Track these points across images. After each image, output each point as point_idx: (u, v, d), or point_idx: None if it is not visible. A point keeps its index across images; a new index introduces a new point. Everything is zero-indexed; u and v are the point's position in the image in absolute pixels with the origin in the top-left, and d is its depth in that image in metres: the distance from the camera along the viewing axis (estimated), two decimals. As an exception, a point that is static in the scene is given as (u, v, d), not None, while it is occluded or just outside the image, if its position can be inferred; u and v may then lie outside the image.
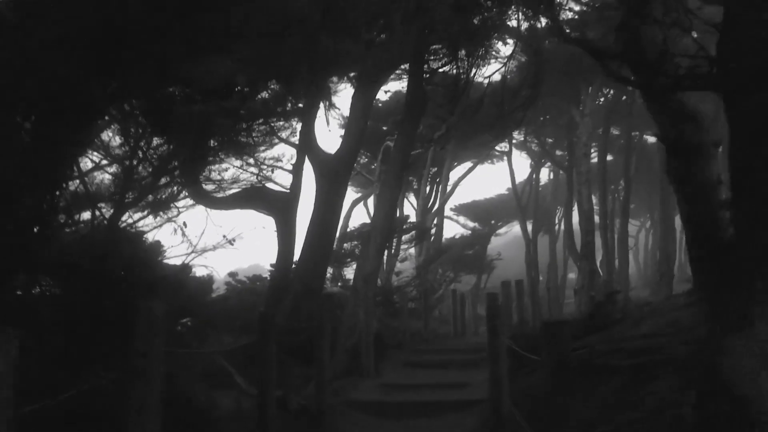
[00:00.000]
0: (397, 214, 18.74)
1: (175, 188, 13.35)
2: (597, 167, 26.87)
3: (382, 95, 36.57)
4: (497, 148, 38.15)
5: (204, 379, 8.48)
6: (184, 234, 10.84)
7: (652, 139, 38.87)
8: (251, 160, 14.30)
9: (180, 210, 13.29)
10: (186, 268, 16.83)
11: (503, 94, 16.47)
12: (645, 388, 4.95)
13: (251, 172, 14.34)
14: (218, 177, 13.10)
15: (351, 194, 38.63)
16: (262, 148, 14.33)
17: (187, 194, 13.38)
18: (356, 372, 9.33)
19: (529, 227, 38.73)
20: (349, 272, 20.59)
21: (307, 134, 14.00)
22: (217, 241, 11.55)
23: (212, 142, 11.67)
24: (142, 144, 11.82)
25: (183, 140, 10.98)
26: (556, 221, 45.97)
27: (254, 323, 14.00)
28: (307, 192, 14.77)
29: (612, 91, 27.59)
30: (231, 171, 13.86)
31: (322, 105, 15.10)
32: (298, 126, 14.61)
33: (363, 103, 13.65)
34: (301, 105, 12.99)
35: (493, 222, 49.70)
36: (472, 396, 8.06)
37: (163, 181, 12.78)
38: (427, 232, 24.68)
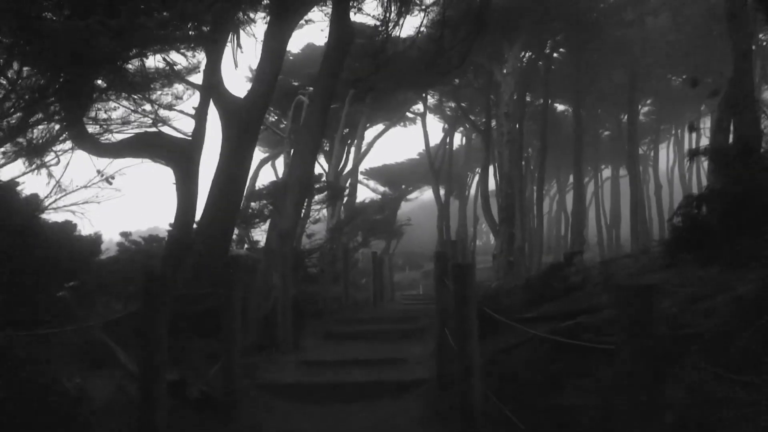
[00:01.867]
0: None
1: (53, 129, 11.34)
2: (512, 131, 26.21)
3: (293, 47, 34.68)
4: (412, 109, 37.17)
5: (81, 360, 6.86)
6: (58, 183, 8.95)
7: (560, 107, 39.15)
8: (145, 102, 12.33)
9: (58, 154, 11.31)
10: (69, 225, 14.77)
11: (443, 28, 15.21)
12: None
13: (144, 112, 12.41)
14: (105, 116, 11.11)
15: (258, 154, 36.73)
16: (159, 84, 12.39)
17: (68, 137, 11.39)
18: (271, 346, 7.86)
19: (441, 192, 38.17)
20: (258, 234, 19.02)
21: (213, 73, 12.22)
22: (91, 179, 9.68)
23: (96, 72, 9.75)
24: (10, 74, 9.80)
25: (59, 67, 9.07)
26: (468, 186, 45.81)
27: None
28: (211, 141, 13.04)
29: (530, 54, 27.03)
30: (120, 111, 11.90)
31: (229, 46, 13.30)
32: (202, 65, 12.78)
33: (278, 40, 12.00)
34: (206, 29, 11.14)
35: (403, 187, 49.12)
36: (412, 375, 6.79)
37: (37, 120, 10.78)
38: (342, 192, 23.32)
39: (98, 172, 11.08)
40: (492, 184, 29.75)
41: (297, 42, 48.96)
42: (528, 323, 5.78)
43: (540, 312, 6.15)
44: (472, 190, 46.65)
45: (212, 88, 12.14)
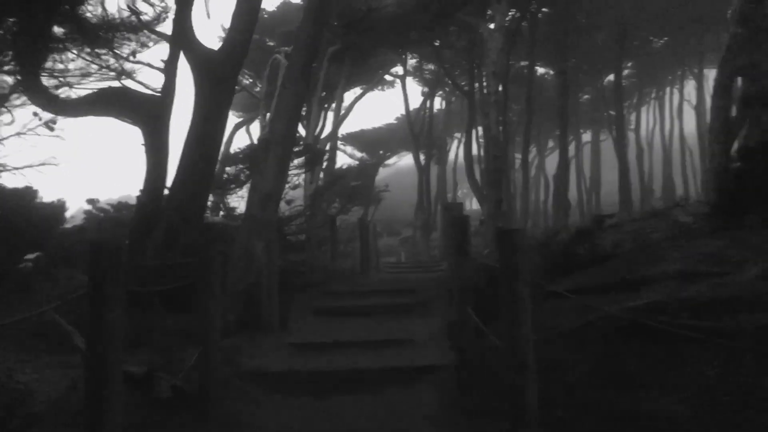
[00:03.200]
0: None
1: (5, 83, 10.15)
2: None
3: (268, 5, 33.13)
4: (391, 72, 35.99)
5: (31, 346, 5.90)
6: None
7: (541, 70, 38.23)
8: (108, 53, 11.14)
9: (9, 109, 10.14)
10: (29, 191, 13.60)
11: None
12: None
13: (107, 65, 11.24)
14: (62, 67, 9.94)
15: (232, 118, 35.40)
16: (123, 34, 11.20)
17: (23, 90, 10.20)
18: (254, 325, 6.91)
19: (421, 158, 37.22)
20: (234, 201, 17.99)
21: (183, 22, 11.07)
22: (26, 124, 8.61)
23: (51, 18, 8.59)
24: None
25: (9, 12, 7.92)
26: (447, 151, 44.92)
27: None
28: (183, 98, 11.92)
29: (515, 13, 25.96)
30: (80, 62, 10.72)
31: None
32: (171, 14, 11.61)
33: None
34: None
35: (381, 152, 48.13)
36: (423, 359, 5.79)
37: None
38: (322, 156, 22.26)
39: (35, 114, 9.85)
40: (474, 149, 28.90)
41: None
42: (557, 298, 4.95)
43: (569, 285, 5.31)
44: (451, 155, 45.77)
45: (182, 38, 11.00)
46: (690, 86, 42.79)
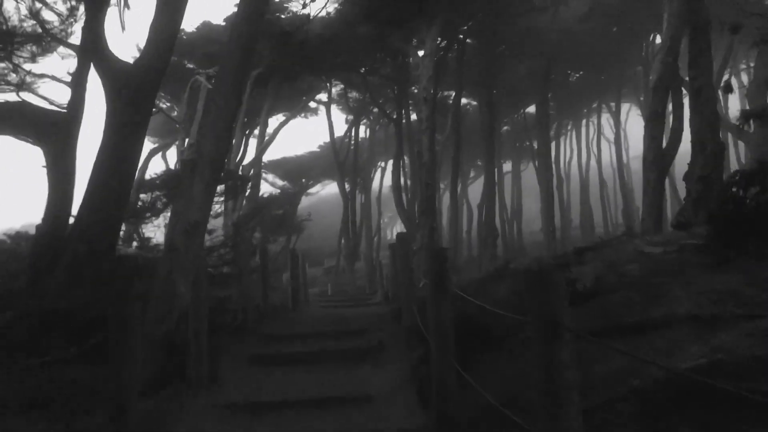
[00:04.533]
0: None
1: None
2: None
3: (187, 26, 31.88)
4: (317, 98, 35.26)
5: None
6: None
7: (464, 101, 38.46)
8: (6, 63, 9.84)
9: None
10: None
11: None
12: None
13: (4, 76, 9.92)
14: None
15: (147, 144, 33.62)
16: (24, 45, 9.93)
17: None
18: (178, 378, 5.74)
19: (346, 186, 36.51)
20: (150, 230, 16.59)
21: (95, 30, 9.92)
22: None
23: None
24: None
25: None
26: (372, 179, 44.46)
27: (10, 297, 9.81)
28: (93, 115, 10.70)
29: (443, 42, 25.85)
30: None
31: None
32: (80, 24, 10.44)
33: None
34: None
35: (303, 180, 47.17)
36: (388, 423, 4.71)
37: None
38: (246, 183, 21.09)
39: None
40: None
41: (191, 20, 45.69)
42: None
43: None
44: (374, 184, 45.28)
45: (93, 48, 9.83)
46: (605, 119, 44.13)
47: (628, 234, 12.45)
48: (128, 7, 12.09)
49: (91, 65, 10.08)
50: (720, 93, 13.47)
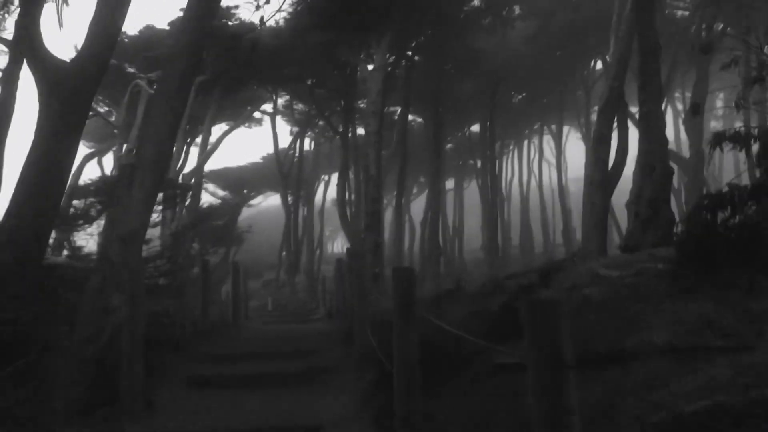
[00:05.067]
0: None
1: None
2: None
3: (129, 28, 30.91)
4: (262, 108, 34.71)
5: None
6: None
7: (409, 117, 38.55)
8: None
9: None
10: None
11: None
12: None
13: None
14: None
15: (82, 149, 32.31)
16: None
17: None
18: (108, 403, 5.21)
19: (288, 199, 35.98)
20: (81, 239, 15.72)
21: (29, 26, 9.29)
22: None
23: None
24: None
25: None
26: (317, 192, 44.06)
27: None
28: (23, 115, 10.03)
29: (392, 57, 25.81)
30: None
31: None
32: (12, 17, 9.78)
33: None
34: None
35: (245, 191, 46.38)
36: None
37: None
38: (187, 192, 20.38)
39: None
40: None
41: (133, 23, 44.43)
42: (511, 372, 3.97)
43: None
44: (317, 197, 44.86)
45: (26, 43, 9.19)
46: (545, 140, 45.01)
47: (576, 255, 12.46)
48: (66, 4, 11.47)
49: (24, 62, 9.42)
50: (689, 113, 13.62)
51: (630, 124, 15.66)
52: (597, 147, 14.67)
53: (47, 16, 12.44)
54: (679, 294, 4.52)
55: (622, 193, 15.59)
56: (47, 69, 9.24)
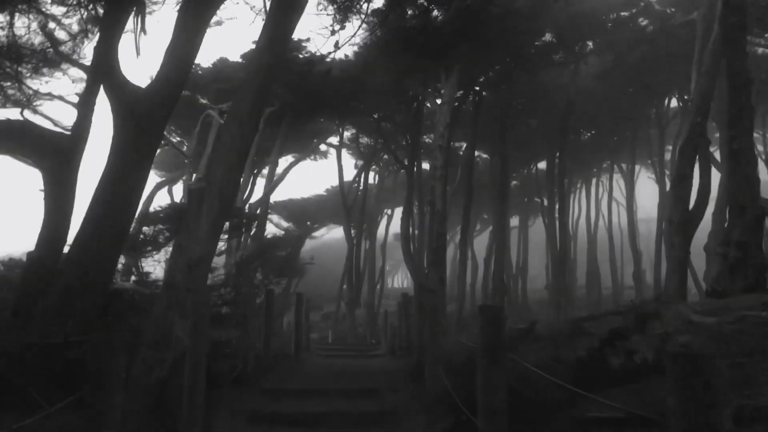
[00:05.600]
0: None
1: None
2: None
3: (203, 60, 31.81)
4: (328, 141, 35.03)
5: None
6: None
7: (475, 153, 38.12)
8: (11, 81, 9.36)
9: None
10: None
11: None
12: None
13: (10, 99, 9.43)
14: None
15: (153, 177, 33.20)
16: (32, 63, 9.46)
17: None
18: None
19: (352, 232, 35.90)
20: (149, 265, 15.91)
21: (107, 52, 9.47)
22: None
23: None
24: None
25: None
26: (379, 226, 43.98)
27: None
28: (98, 140, 10.18)
29: (460, 92, 25.62)
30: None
31: (132, 21, 10.61)
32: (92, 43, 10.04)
33: (194, 18, 9.40)
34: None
35: (308, 223, 46.75)
36: None
37: None
38: (253, 222, 20.50)
39: None
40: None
41: (206, 56, 46.12)
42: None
43: (604, 409, 3.79)
44: (380, 231, 44.72)
45: (105, 70, 9.35)
46: (615, 179, 43.71)
47: (660, 299, 11.74)
48: (144, 33, 11.70)
49: (101, 88, 9.59)
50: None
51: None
52: (677, 186, 13.94)
53: (125, 44, 12.77)
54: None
55: (700, 235, 14.77)
56: (123, 94, 9.37)
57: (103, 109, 11.06)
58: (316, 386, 7.71)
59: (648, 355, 4.63)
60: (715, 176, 16.39)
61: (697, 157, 14.45)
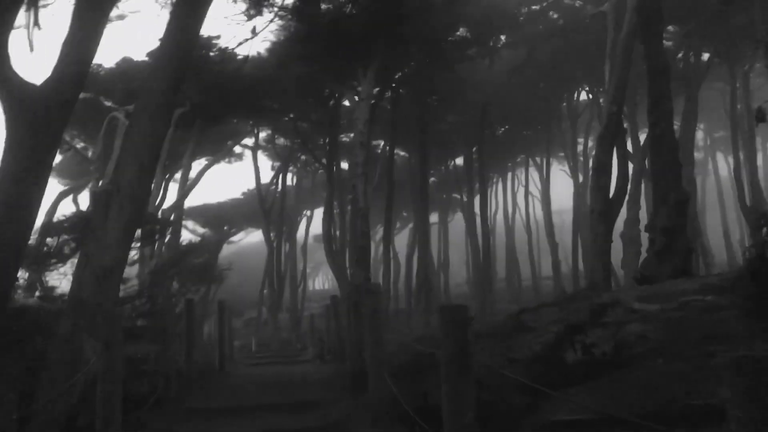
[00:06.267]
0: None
1: None
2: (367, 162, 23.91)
3: (105, 60, 30.15)
4: (243, 143, 34.06)
5: None
6: None
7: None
8: None
9: None
10: None
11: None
12: None
13: None
14: None
15: (57, 185, 31.26)
16: None
17: None
18: None
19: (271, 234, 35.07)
20: (55, 278, 14.78)
21: (-4, 46, 8.49)
22: None
23: None
24: None
25: None
26: (299, 227, 43.24)
27: None
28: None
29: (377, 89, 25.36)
30: None
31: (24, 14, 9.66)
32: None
33: (93, 10, 8.59)
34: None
35: (225, 228, 45.45)
36: None
37: None
38: (167, 228, 19.47)
39: None
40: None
41: (110, 55, 43.91)
42: None
43: (568, 410, 3.47)
44: (300, 233, 44.01)
45: (-8, 66, 8.38)
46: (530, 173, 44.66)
47: (590, 288, 11.78)
48: (39, 27, 10.73)
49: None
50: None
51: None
52: (597, 175, 14.12)
53: (17, 39, 11.72)
54: (749, 332, 3.81)
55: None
56: (14, 91, 8.45)
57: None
58: (249, 402, 7.10)
59: (607, 349, 4.38)
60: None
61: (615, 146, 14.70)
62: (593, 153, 35.28)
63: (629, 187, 16.13)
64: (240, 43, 19.77)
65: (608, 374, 3.96)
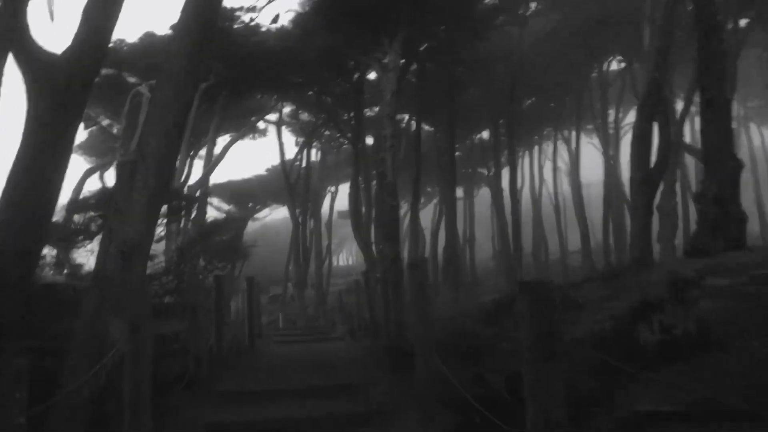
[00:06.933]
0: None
1: None
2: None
3: (128, 36, 29.89)
4: (267, 118, 33.69)
5: None
6: None
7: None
8: None
9: None
10: None
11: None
12: None
13: None
14: None
15: (83, 163, 31.21)
16: None
17: None
18: None
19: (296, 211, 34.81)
20: (82, 256, 14.67)
21: (15, 16, 8.15)
22: None
23: None
24: None
25: None
26: (324, 203, 42.95)
27: None
28: (9, 116, 8.89)
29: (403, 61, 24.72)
30: None
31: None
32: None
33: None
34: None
35: (250, 205, 45.37)
36: None
37: None
38: (193, 204, 19.25)
39: None
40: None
41: (132, 30, 43.69)
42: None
43: (650, 402, 3.06)
44: (325, 208, 43.75)
45: (13, 36, 8.05)
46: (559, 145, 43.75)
47: (640, 262, 11.22)
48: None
49: (9, 56, 8.29)
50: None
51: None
52: (638, 145, 13.49)
53: (37, 8, 11.41)
54: None
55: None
56: (36, 61, 8.11)
57: (12, 80, 9.76)
58: (282, 384, 6.74)
59: (690, 328, 3.92)
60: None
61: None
62: (623, 124, 34.64)
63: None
64: (264, 5, 19.19)
65: (691, 358, 3.51)
